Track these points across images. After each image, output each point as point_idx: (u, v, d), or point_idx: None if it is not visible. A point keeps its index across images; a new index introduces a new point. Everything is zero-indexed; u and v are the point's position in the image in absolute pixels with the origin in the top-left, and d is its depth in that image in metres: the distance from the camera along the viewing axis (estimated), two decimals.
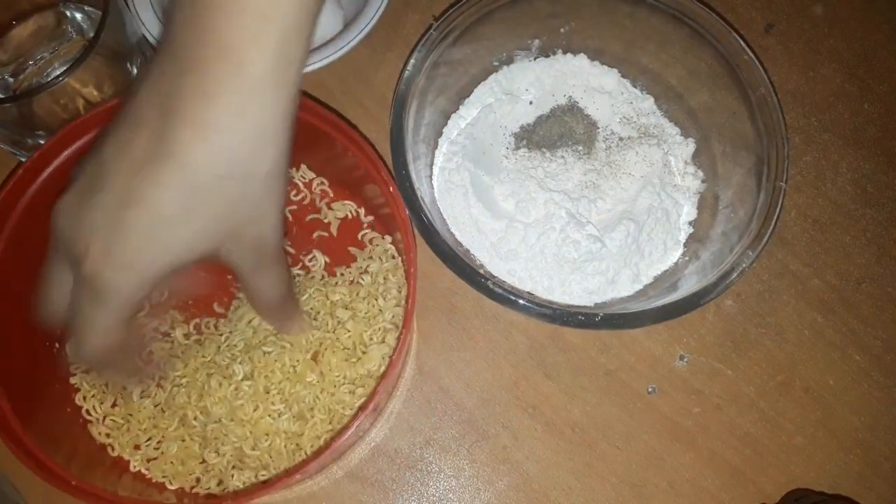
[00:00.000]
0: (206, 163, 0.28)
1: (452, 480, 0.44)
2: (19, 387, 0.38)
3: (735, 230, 0.43)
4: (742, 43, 0.44)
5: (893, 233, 0.49)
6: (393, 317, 0.43)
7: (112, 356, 0.33)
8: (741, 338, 0.46)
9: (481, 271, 0.40)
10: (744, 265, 0.40)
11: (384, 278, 0.44)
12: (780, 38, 0.54)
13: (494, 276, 0.40)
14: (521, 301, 0.39)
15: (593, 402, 0.45)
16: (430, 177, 0.47)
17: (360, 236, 0.46)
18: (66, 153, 0.39)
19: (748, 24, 0.53)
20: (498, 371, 0.45)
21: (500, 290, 0.39)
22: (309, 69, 0.47)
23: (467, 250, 0.45)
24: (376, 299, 0.43)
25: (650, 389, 0.45)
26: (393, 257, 0.45)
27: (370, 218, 0.46)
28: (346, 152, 0.41)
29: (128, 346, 0.34)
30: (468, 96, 0.49)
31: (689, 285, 0.42)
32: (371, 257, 0.45)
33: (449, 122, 0.49)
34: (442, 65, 0.45)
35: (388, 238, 0.45)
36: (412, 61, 0.43)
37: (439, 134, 0.48)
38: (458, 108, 0.49)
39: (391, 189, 0.39)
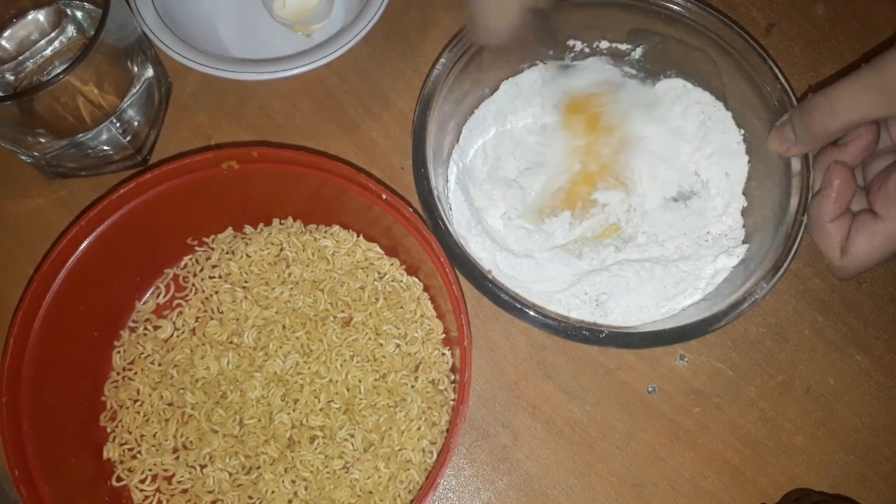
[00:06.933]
0: None
1: (452, 480, 0.43)
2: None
3: (752, 259, 0.43)
4: (786, 85, 0.43)
5: None
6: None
7: None
8: (741, 337, 0.46)
9: (489, 276, 0.40)
10: (756, 296, 0.40)
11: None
12: (781, 39, 0.54)
13: (500, 283, 0.40)
14: (528, 311, 0.39)
15: (593, 401, 0.45)
16: (448, 170, 0.47)
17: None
18: (96, 232, 0.40)
19: (749, 24, 0.53)
20: (498, 370, 0.45)
21: (507, 298, 0.39)
22: (309, 68, 0.46)
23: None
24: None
25: (650, 389, 0.45)
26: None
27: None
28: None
29: None
30: (496, 90, 0.48)
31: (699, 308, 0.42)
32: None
33: (475, 112, 0.48)
34: (472, 64, 0.45)
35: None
36: (442, 60, 0.43)
37: (463, 122, 0.48)
38: (485, 98, 0.48)
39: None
